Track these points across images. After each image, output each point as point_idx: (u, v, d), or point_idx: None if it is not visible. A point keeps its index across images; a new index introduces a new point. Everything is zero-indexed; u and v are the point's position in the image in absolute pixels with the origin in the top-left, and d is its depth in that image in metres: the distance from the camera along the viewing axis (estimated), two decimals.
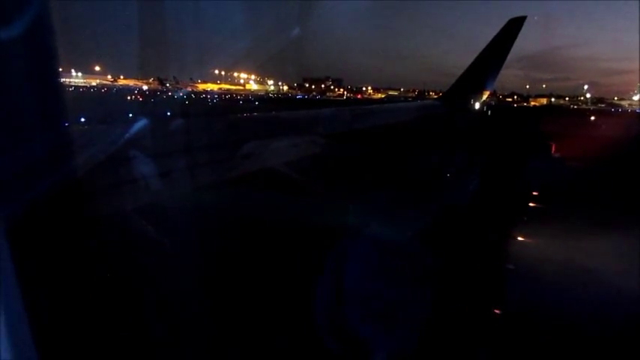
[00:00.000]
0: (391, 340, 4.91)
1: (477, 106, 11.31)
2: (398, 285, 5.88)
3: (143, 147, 3.86)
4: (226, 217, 7.91)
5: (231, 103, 68.14)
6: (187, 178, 4.24)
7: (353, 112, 9.28)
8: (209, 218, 7.47)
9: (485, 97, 12.15)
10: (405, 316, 5.23)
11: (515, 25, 11.06)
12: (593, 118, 56.04)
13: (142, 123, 4.70)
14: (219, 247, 6.87)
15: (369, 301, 5.54)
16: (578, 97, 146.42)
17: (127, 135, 4.21)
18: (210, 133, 5.44)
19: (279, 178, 5.77)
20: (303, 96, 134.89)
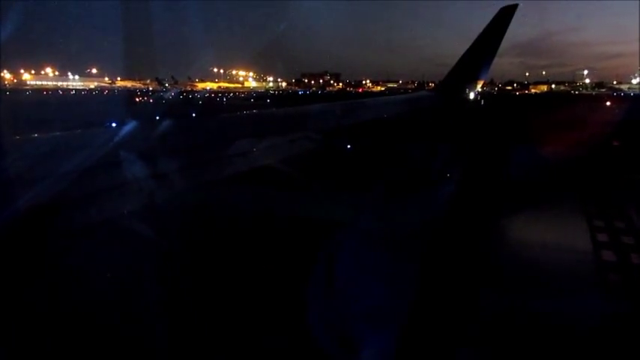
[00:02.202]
0: (379, 338, 4.92)
1: (472, 96, 11.27)
2: (387, 283, 5.90)
3: (135, 149, 3.83)
4: (220, 216, 7.97)
5: (243, 102, 67.67)
6: (183, 179, 4.20)
7: (348, 106, 9.23)
8: (203, 218, 7.51)
9: (479, 86, 12.09)
10: (394, 315, 5.24)
11: (506, 13, 10.99)
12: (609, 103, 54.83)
13: (133, 125, 4.67)
14: (213, 246, 6.92)
15: (360, 300, 5.56)
16: (576, 82, 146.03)
17: (119, 138, 4.17)
18: (206, 133, 5.41)
19: (275, 175, 5.76)
20: (305, 91, 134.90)
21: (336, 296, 5.59)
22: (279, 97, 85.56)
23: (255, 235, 7.33)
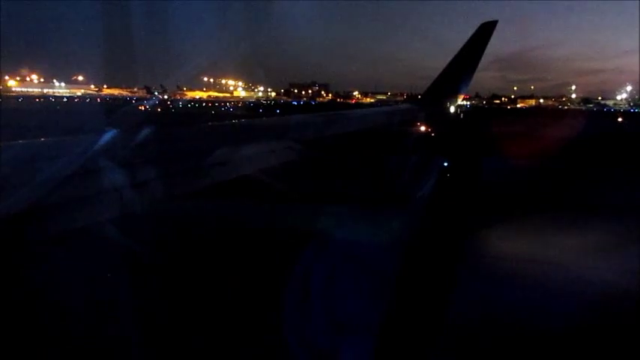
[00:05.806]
0: (354, 352, 4.94)
1: (452, 109, 11.47)
2: (362, 295, 5.93)
3: (111, 158, 3.85)
4: (197, 226, 7.99)
5: (249, 112, 66.99)
6: (162, 189, 4.22)
7: (331, 117, 9.32)
8: (180, 228, 7.53)
9: (460, 100, 12.33)
10: (367, 328, 5.27)
11: (486, 30, 11.25)
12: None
13: (111, 133, 4.69)
14: (189, 257, 6.92)
15: (334, 313, 5.58)
16: (561, 97, 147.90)
17: (96, 146, 4.18)
18: (185, 142, 5.44)
19: (255, 185, 5.80)
20: (298, 102, 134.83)
21: (312, 309, 5.60)
22: (280, 107, 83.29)
23: (230, 245, 7.39)
